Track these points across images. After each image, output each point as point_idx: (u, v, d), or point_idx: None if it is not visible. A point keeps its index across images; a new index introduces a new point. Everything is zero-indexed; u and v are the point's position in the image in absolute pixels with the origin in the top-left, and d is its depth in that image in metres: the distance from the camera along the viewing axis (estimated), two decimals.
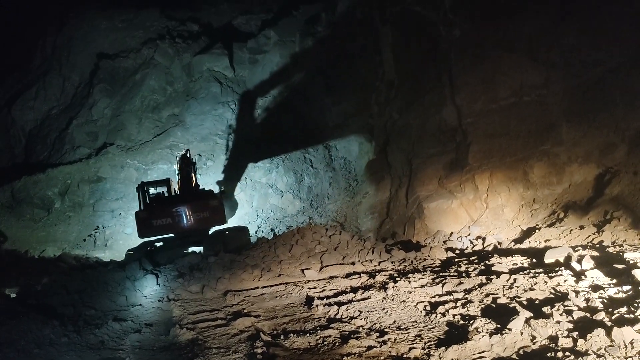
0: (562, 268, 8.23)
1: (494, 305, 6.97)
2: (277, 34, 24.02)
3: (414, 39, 17.55)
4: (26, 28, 25.37)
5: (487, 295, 7.45)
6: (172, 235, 16.54)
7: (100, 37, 25.90)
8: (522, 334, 5.65)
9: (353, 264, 11.20)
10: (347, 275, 10.18)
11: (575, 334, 5.38)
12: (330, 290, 9.12)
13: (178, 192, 17.77)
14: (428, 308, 7.28)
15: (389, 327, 6.68)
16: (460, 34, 15.72)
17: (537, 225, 12.79)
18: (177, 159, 18.58)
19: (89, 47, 25.66)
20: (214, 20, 27.84)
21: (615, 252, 8.76)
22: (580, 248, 9.47)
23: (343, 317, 7.26)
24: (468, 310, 6.89)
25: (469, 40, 15.42)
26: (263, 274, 10.70)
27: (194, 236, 16.30)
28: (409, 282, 8.80)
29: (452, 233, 14.49)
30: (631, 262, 7.72)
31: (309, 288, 9.38)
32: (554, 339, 5.41)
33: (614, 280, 7.12)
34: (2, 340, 6.45)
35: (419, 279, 9.00)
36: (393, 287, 8.50)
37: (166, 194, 17.96)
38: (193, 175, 18.39)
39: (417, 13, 17.25)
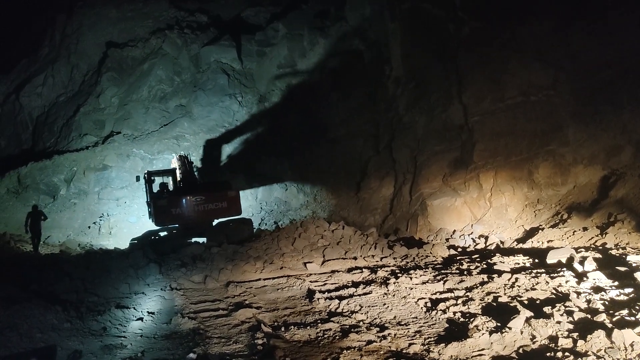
0: (564, 269, 8.23)
1: (494, 304, 6.98)
2: (286, 27, 23.95)
3: (423, 36, 17.49)
4: (35, 16, 25.41)
5: (488, 293, 7.47)
6: (177, 225, 16.61)
7: (109, 26, 25.87)
8: (522, 333, 5.67)
9: (355, 258, 11.25)
10: (349, 270, 10.23)
11: (575, 334, 5.39)
12: (332, 284, 9.16)
13: (180, 185, 17.79)
14: (429, 304, 7.31)
15: (389, 322, 6.71)
16: (470, 32, 15.67)
17: (540, 225, 12.78)
18: (176, 157, 18.59)
19: (98, 35, 25.65)
20: (223, 12, 27.76)
21: (618, 255, 8.75)
22: (582, 249, 9.47)
23: (344, 311, 7.29)
24: (469, 308, 6.91)
25: (477, 38, 15.37)
26: (265, 266, 10.76)
27: (199, 227, 16.38)
28: (411, 278, 8.83)
29: (454, 231, 14.49)
30: (634, 264, 7.71)
31: (311, 281, 9.43)
32: (554, 339, 5.42)
33: (616, 283, 7.12)
34: (5, 325, 6.50)
35: (421, 275, 9.03)
36: (394, 283, 8.53)
37: (171, 184, 18.02)
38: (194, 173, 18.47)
39: (427, 10, 17.20)
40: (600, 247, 9.80)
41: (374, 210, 18.37)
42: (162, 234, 16.95)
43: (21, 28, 24.73)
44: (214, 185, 18.30)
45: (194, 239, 15.94)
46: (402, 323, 6.65)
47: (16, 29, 24.62)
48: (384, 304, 7.53)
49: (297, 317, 7.21)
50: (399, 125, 18.20)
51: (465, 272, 9.04)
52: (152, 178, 17.81)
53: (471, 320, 6.24)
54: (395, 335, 6.16)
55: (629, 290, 6.62)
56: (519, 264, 9.39)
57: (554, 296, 6.99)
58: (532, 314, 6.06)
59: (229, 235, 14.96)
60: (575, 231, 11.44)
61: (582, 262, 8.14)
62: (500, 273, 8.44)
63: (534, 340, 5.50)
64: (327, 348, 5.84)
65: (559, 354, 5.00)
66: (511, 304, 6.73)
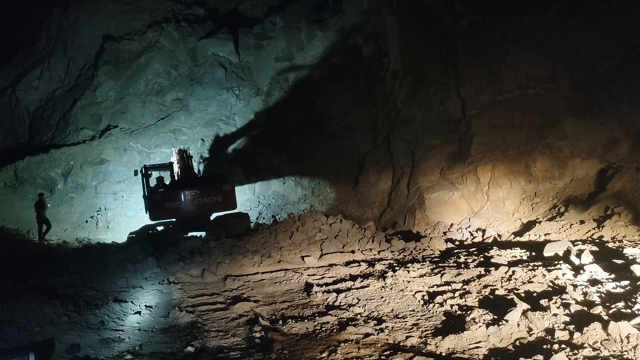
0: (561, 262, 8.26)
1: (491, 297, 7.00)
2: (283, 20, 23.87)
3: (421, 30, 17.45)
4: (32, 9, 25.25)
5: (485, 286, 7.49)
6: (174, 219, 16.60)
7: (106, 19, 25.75)
8: (518, 325, 5.69)
9: (353, 252, 11.27)
10: (347, 264, 10.25)
11: (572, 327, 5.41)
12: (330, 277, 9.18)
13: (178, 179, 17.75)
14: (426, 298, 7.33)
15: (386, 315, 6.73)
16: (468, 25, 15.64)
17: (537, 218, 12.80)
18: (175, 151, 18.55)
19: (95, 28, 25.53)
20: (220, 5, 27.66)
21: (614, 248, 8.78)
22: (579, 242, 9.49)
23: (341, 304, 7.31)
24: (466, 300, 6.93)
25: (476, 32, 15.34)
26: (263, 259, 10.77)
27: (197, 221, 16.37)
28: (408, 271, 8.85)
29: (452, 224, 14.52)
30: (630, 257, 7.74)
31: (309, 275, 9.45)
32: (550, 331, 5.44)
33: (613, 275, 7.15)
34: (3, 318, 6.51)
35: (418, 268, 9.05)
36: (392, 276, 8.55)
37: (168, 178, 17.99)
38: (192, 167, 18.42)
39: (425, 3, 17.16)
40: (597, 240, 9.83)
41: (372, 203, 18.39)
42: (159, 228, 16.95)
43: (17, 21, 24.56)
44: (209, 179, 18.25)
45: (191, 233, 15.94)
46: (400, 316, 6.67)
47: (12, 23, 24.46)
48: (382, 297, 7.55)
49: (295, 311, 7.23)
50: (397, 118, 18.19)
51: (462, 266, 9.06)
52: (149, 172, 17.79)
53: (468, 313, 6.26)
54: (392, 328, 6.18)
55: (625, 282, 6.64)
56: (516, 257, 9.42)
57: (550, 289, 7.02)
58: (528, 306, 6.08)
59: (227, 228, 14.96)
60: (572, 224, 11.47)
61: (579, 255, 8.16)
62: (497, 266, 8.47)
63: (531, 332, 5.52)
64: (324, 341, 5.86)
65: (556, 346, 5.01)
66: (508, 297, 6.75)
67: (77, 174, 22.93)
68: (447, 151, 15.80)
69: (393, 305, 7.15)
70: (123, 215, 22.19)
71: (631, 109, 12.66)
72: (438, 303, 6.96)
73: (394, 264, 9.80)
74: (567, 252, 8.57)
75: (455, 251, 11.01)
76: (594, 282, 6.97)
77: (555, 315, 5.76)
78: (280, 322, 6.61)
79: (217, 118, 24.59)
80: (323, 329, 6.28)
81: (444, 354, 5.30)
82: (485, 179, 14.66)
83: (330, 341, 5.83)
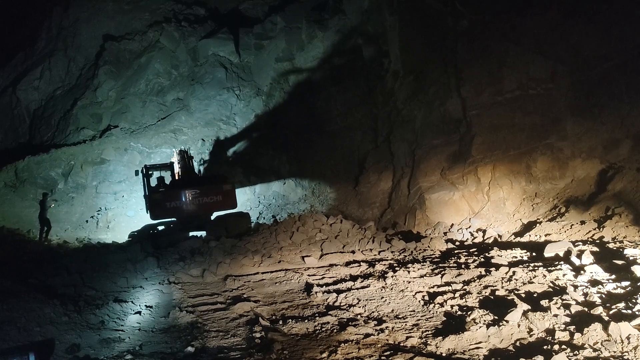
0: (562, 262, 8.25)
1: (492, 297, 7.00)
2: (284, 20, 23.86)
3: (421, 30, 17.45)
4: (32, 9, 25.25)
5: (486, 287, 7.49)
6: (174, 219, 16.60)
7: (106, 19, 25.75)
8: (519, 326, 5.68)
9: (353, 252, 11.26)
10: (347, 264, 10.25)
11: (572, 327, 5.40)
12: (330, 277, 9.17)
13: (179, 178, 17.77)
14: (426, 298, 7.32)
15: (387, 315, 6.73)
16: (468, 25, 15.64)
17: (538, 219, 12.79)
18: (176, 152, 18.56)
19: (95, 28, 25.53)
20: (221, 5, 27.65)
21: (615, 248, 8.77)
22: (580, 243, 9.49)
23: (341, 304, 7.30)
24: (466, 301, 6.92)
25: (476, 32, 15.34)
26: (263, 259, 10.77)
27: (197, 221, 16.38)
28: (408, 272, 8.85)
29: (452, 225, 14.51)
30: (631, 258, 7.73)
31: (309, 275, 9.45)
32: (551, 332, 5.44)
33: (613, 276, 7.14)
34: (4, 318, 6.50)
35: (418, 269, 9.04)
36: (392, 277, 8.54)
37: (169, 178, 17.99)
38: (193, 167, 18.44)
39: (425, 3, 17.15)
40: (598, 241, 9.82)
41: (372, 204, 18.38)
42: (160, 227, 16.95)
43: (17, 21, 24.56)
44: (209, 179, 18.27)
45: (191, 233, 15.94)
46: (400, 316, 6.66)
47: (12, 23, 24.46)
48: (382, 298, 7.54)
49: (295, 311, 7.22)
50: (397, 118, 18.18)
51: (462, 266, 9.06)
52: (150, 172, 17.80)
53: (469, 313, 6.26)
54: (392, 328, 6.17)
55: (625, 283, 6.64)
56: (516, 257, 9.41)
57: (551, 289, 7.02)
58: (529, 307, 6.08)
59: (228, 228, 14.97)
60: (572, 225, 11.46)
61: (579, 256, 8.16)
62: (497, 267, 8.47)
63: (531, 333, 5.52)
64: (324, 341, 5.85)
65: (556, 347, 5.01)
66: (508, 298, 6.75)
67: (77, 173, 22.93)
68: (448, 151, 15.79)
69: (393, 306, 7.14)
70: (123, 215, 22.19)
71: (631, 109, 12.67)
72: (438, 303, 6.96)
73: (394, 264, 9.79)
74: (568, 253, 8.57)
75: (455, 251, 11.01)
76: (594, 282, 6.97)
77: (555, 315, 5.76)
78: (281, 322, 6.60)
79: (217, 118, 24.59)
80: (323, 329, 6.27)
81: (444, 354, 5.30)
82: (485, 179, 14.66)
83: (330, 341, 5.83)
